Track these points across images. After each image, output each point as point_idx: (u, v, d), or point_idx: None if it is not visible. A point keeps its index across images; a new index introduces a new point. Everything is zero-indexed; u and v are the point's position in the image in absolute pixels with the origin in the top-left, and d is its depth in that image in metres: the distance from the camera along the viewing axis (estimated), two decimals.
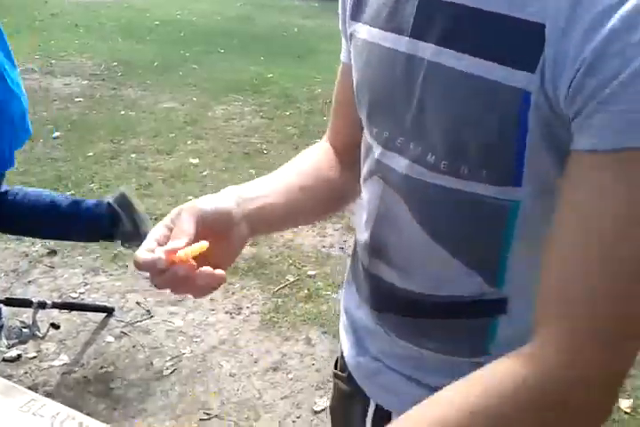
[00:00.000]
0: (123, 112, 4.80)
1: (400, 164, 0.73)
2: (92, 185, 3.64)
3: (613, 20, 0.51)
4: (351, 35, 0.80)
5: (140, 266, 0.64)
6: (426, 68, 0.66)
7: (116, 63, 6.02)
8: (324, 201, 0.91)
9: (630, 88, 0.51)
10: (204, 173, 3.82)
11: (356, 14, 0.78)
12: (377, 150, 0.78)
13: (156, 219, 3.30)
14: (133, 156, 4.05)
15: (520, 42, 0.58)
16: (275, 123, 4.78)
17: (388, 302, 0.83)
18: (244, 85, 5.59)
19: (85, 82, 5.44)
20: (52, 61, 5.99)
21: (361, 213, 0.87)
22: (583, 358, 0.54)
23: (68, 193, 3.47)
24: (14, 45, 6.83)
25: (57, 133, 4.27)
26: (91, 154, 4.04)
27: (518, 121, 0.60)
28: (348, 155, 0.90)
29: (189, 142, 4.30)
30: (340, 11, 0.84)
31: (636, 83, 0.51)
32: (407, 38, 0.68)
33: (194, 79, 5.72)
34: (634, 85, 0.51)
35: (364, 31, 0.76)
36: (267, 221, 0.80)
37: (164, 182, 3.71)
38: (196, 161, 3.99)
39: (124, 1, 9.88)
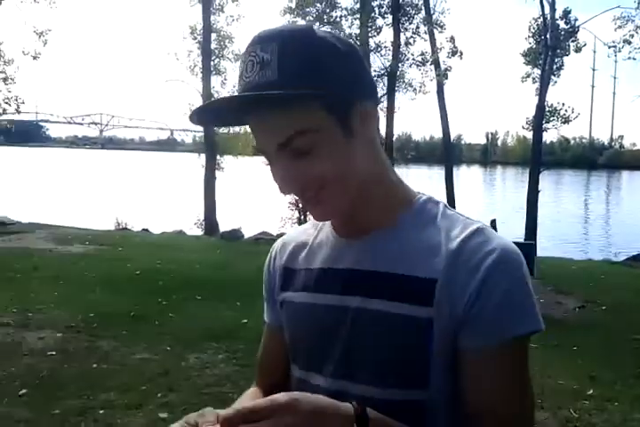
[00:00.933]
0: (95, 365, 4.74)
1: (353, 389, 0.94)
2: None
3: (481, 271, 0.86)
4: (282, 302, 1.05)
5: None
6: (353, 313, 0.93)
7: (92, 314, 6.12)
8: None
9: (503, 313, 0.86)
10: None
11: (286, 286, 1.06)
12: (319, 380, 0.98)
13: None
14: (101, 412, 3.90)
15: (418, 289, 0.89)
16: (248, 370, 4.72)
17: None
18: (218, 332, 5.64)
19: (60, 335, 5.46)
20: (29, 314, 6.08)
21: None
22: None
23: None
24: None
25: (23, 391, 4.15)
26: (57, 412, 3.88)
27: (426, 338, 0.88)
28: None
29: (160, 395, 4.18)
30: (265, 284, 1.13)
31: (507, 307, 0.86)
32: (338, 296, 0.96)
33: (169, 328, 5.78)
34: (505, 310, 0.86)
35: (297, 297, 1.02)
36: None
37: None
38: (165, 415, 3.84)
39: (107, 253, 10.41)
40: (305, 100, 0.84)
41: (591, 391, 4.60)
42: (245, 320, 6.04)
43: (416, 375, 0.89)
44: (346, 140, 0.88)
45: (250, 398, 1.11)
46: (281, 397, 0.73)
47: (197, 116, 0.90)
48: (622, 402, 4.42)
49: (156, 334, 5.56)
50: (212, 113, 0.90)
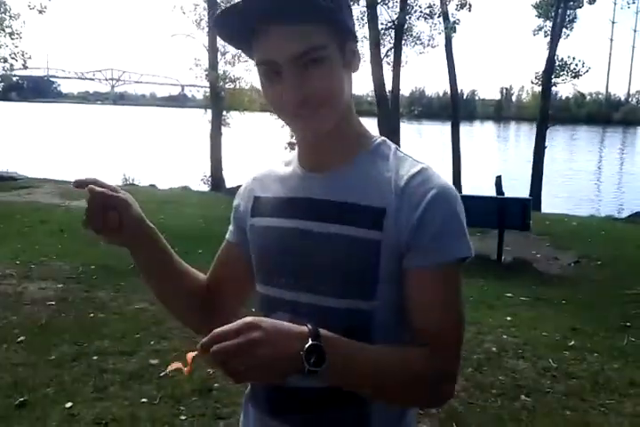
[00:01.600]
0: (92, 314, 4.91)
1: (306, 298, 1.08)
2: (49, 389, 3.61)
3: (423, 204, 1.01)
4: (251, 226, 1.19)
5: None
6: (309, 235, 1.08)
7: (93, 267, 6.29)
8: (192, 290, 1.24)
9: (440, 239, 1.01)
10: (162, 374, 3.82)
11: (255, 212, 1.20)
12: (277, 293, 1.11)
13: (106, 424, 3.26)
14: (95, 358, 4.08)
15: (370, 216, 1.04)
16: None
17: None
18: None
19: (60, 285, 5.63)
20: (32, 266, 6.26)
21: None
22: (448, 355, 1.01)
23: (21, 399, 3.45)
24: None
25: (22, 337, 4.33)
26: (53, 357, 4.06)
27: (375, 256, 1.02)
28: (211, 292, 1.27)
29: (152, 343, 4.35)
30: (234, 210, 1.26)
31: (444, 234, 1.01)
32: (298, 220, 1.09)
33: None
34: (442, 237, 1.01)
35: (264, 221, 1.16)
36: (159, 244, 1.18)
37: (122, 385, 3.69)
38: (155, 361, 4.01)
39: None
40: (326, 16, 0.98)
41: (572, 343, 4.73)
42: None
43: (362, 288, 1.04)
44: (342, 69, 1.03)
45: (193, 271, 1.28)
46: (246, 318, 0.86)
47: (223, 17, 0.97)
48: (601, 353, 4.54)
49: None
50: (239, 15, 0.96)
